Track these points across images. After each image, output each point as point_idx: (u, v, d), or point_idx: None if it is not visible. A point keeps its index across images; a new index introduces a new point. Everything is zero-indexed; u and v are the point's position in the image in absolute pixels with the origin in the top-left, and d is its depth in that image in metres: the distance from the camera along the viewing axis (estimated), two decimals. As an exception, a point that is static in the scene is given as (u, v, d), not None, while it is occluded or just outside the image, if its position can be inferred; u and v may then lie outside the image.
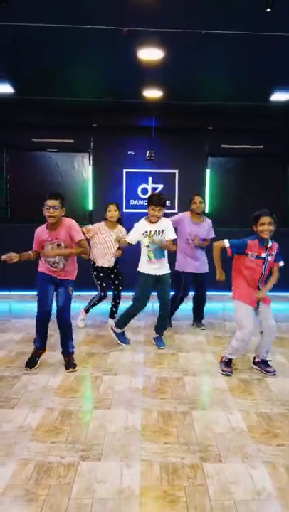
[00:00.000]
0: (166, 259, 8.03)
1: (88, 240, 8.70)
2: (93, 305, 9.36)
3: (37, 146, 12.19)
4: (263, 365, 7.15)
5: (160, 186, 12.19)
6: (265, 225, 6.56)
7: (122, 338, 8.37)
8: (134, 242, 8.00)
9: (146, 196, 12.05)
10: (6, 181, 12.07)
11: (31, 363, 7.11)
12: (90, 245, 8.70)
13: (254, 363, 7.29)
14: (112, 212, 8.89)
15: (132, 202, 12.25)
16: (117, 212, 8.96)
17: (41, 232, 6.92)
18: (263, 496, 4.09)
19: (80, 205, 11.99)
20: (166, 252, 7.99)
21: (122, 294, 9.39)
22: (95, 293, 9.24)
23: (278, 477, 4.39)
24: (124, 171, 12.32)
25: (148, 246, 7.85)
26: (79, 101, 10.51)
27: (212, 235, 9.25)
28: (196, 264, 9.23)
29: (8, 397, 6.10)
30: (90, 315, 9.54)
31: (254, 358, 7.30)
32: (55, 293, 7.09)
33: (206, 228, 9.24)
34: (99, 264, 8.99)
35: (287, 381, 6.86)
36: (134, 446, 4.92)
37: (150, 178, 12.34)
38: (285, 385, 6.71)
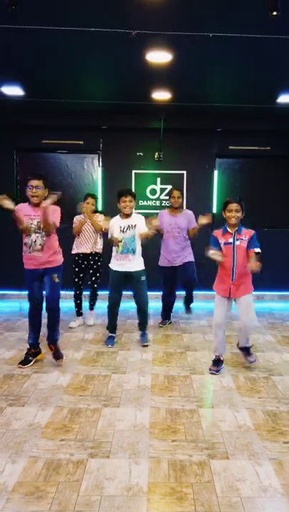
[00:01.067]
0: (136, 257, 8.04)
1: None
2: (76, 305, 9.59)
3: (47, 147, 12.19)
4: (244, 351, 7.28)
5: (168, 187, 12.15)
6: (232, 212, 6.73)
7: (107, 340, 8.38)
8: (112, 231, 7.98)
9: (155, 197, 12.15)
10: (17, 182, 12.04)
11: (25, 362, 7.17)
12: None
13: (238, 346, 7.41)
14: (90, 205, 9.16)
15: (141, 203, 12.19)
16: (94, 207, 9.26)
17: (23, 207, 6.98)
18: (269, 492, 4.10)
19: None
20: (138, 251, 8.02)
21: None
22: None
23: (284, 474, 4.40)
24: (133, 172, 12.30)
25: (120, 241, 7.91)
26: (88, 103, 10.51)
27: (194, 225, 9.15)
28: (178, 257, 9.19)
29: (18, 395, 6.13)
30: (99, 314, 9.58)
31: (238, 343, 7.41)
32: (44, 285, 7.13)
33: (184, 218, 9.21)
34: (75, 251, 9.22)
35: (293, 378, 6.87)
36: (142, 443, 4.94)
37: (159, 179, 12.30)
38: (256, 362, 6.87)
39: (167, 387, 6.48)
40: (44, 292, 7.15)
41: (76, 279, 9.34)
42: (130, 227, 7.88)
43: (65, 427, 5.28)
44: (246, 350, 7.25)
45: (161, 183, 12.21)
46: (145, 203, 12.09)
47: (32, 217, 6.86)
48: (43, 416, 5.54)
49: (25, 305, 10.39)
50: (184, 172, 12.22)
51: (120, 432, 5.18)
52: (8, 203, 6.61)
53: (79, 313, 9.58)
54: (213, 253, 6.65)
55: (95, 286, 9.48)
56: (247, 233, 6.84)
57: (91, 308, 9.68)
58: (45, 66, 8.24)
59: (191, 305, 9.90)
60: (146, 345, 8.22)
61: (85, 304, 9.60)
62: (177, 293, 9.71)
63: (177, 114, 11.34)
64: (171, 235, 9.13)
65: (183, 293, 9.71)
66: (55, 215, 6.90)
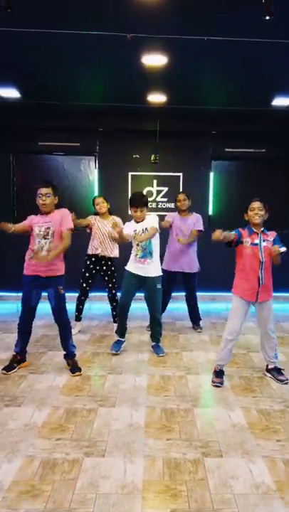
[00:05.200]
0: (154, 261, 7.83)
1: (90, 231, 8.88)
2: (77, 309, 9.25)
3: (43, 149, 12.22)
4: (275, 372, 6.94)
5: (165, 189, 12.21)
6: (255, 210, 6.55)
7: (114, 344, 8.12)
8: (128, 235, 7.69)
9: (152, 199, 12.17)
10: (13, 184, 12.08)
11: (8, 368, 7.05)
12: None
13: (267, 370, 7.08)
14: (101, 204, 8.87)
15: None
16: (105, 204, 8.90)
17: (34, 217, 6.98)
18: (261, 489, 4.16)
19: (87, 208, 11.97)
20: (155, 254, 7.81)
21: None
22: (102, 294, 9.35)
23: (277, 471, 4.46)
24: (130, 173, 12.33)
25: (138, 244, 7.73)
26: (85, 105, 10.54)
27: (199, 227, 9.16)
28: (181, 262, 9.20)
29: (14, 395, 6.17)
30: (95, 315, 9.58)
31: (267, 365, 7.11)
32: (47, 295, 7.04)
33: (192, 222, 9.19)
34: (90, 252, 8.91)
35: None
36: (137, 442, 4.99)
37: (155, 181, 12.35)
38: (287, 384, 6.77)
39: (163, 387, 6.52)
40: (51, 305, 7.07)
41: (84, 284, 9.00)
42: (144, 230, 7.65)
43: (61, 427, 5.32)
44: (277, 370, 6.95)
45: (157, 185, 12.25)
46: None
47: (41, 224, 6.83)
48: (40, 416, 5.58)
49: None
50: (180, 174, 12.26)
51: (116, 432, 5.22)
52: (8, 227, 6.72)
53: (78, 318, 9.28)
54: (227, 233, 6.40)
55: (114, 292, 9.10)
56: (271, 234, 6.68)
57: (115, 321, 9.09)
58: (41, 68, 8.27)
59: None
60: (162, 356, 7.91)
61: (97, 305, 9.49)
62: (174, 294, 9.72)
63: (173, 116, 11.38)
64: (175, 236, 9.15)
65: (179, 294, 9.76)
66: (66, 218, 6.92)
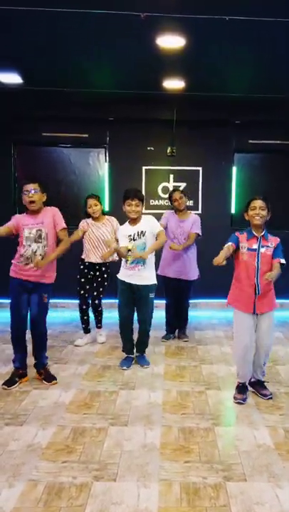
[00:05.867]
0: (146, 268, 7.73)
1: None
2: (82, 320, 9.27)
3: (48, 141, 12.21)
4: (258, 386, 6.94)
5: (182, 185, 12.17)
6: (257, 209, 6.47)
7: (122, 361, 8.10)
8: (125, 249, 7.61)
9: (167, 196, 12.15)
10: (14, 180, 12.09)
11: (9, 383, 7.07)
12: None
13: (249, 383, 7.02)
14: (93, 207, 8.87)
15: (152, 202, 12.23)
16: (98, 206, 8.91)
17: (21, 217, 6.97)
18: (290, 517, 4.14)
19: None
20: (148, 260, 7.69)
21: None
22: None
23: (306, 497, 4.44)
24: (144, 168, 12.31)
25: (130, 250, 7.60)
26: (94, 92, 10.50)
27: (195, 230, 9.15)
28: (177, 268, 9.21)
29: (16, 413, 6.17)
30: (104, 325, 9.57)
31: (250, 378, 7.02)
32: (30, 301, 7.06)
33: (189, 224, 9.17)
34: (90, 260, 8.94)
35: None
36: (152, 465, 4.97)
37: (171, 176, 12.32)
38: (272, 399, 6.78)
39: (180, 404, 6.51)
40: (30, 311, 7.10)
41: (82, 291, 9.08)
42: (140, 233, 7.62)
43: (67, 448, 5.31)
44: (260, 384, 6.95)
45: (174, 181, 12.23)
46: (157, 202, 12.12)
47: (30, 226, 6.84)
48: (44, 436, 5.57)
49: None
50: (200, 168, 12.24)
51: (128, 453, 5.21)
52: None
53: (86, 330, 9.30)
54: (226, 251, 6.34)
55: (97, 302, 9.10)
56: (273, 240, 6.58)
57: (98, 326, 9.40)
58: (45, 52, 8.27)
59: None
60: (147, 367, 7.97)
61: (105, 314, 9.53)
62: (193, 301, 9.72)
63: (191, 104, 11.37)
64: (177, 241, 9.12)
65: (197, 301, 9.76)
66: (58, 218, 6.99)
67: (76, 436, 5.56)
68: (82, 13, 6.54)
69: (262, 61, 8.54)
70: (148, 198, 12.04)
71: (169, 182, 12.23)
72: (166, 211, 9.51)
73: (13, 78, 9.62)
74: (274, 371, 7.79)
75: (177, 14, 6.58)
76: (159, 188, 12.18)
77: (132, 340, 8.15)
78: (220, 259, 6.08)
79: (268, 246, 6.49)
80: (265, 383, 6.96)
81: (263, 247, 6.49)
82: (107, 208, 11.86)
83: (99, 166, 12.34)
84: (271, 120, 11.93)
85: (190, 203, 11.83)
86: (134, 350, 8.24)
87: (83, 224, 8.95)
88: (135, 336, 8.17)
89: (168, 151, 11.96)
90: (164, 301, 9.58)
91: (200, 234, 9.19)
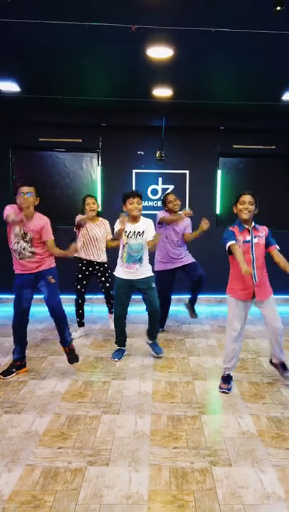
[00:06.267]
0: (143, 266, 7.76)
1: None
2: (77, 314, 9.24)
3: (44, 145, 12.19)
4: (281, 367, 6.88)
5: (170, 187, 12.20)
6: (245, 204, 6.47)
7: (115, 353, 8.09)
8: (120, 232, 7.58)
9: (157, 197, 12.16)
10: (12, 182, 12.02)
11: (6, 373, 7.08)
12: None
13: (271, 362, 7.09)
14: (91, 205, 8.90)
15: (143, 203, 12.00)
16: (96, 205, 8.97)
17: (15, 211, 6.78)
18: (272, 499, 4.16)
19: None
20: (145, 258, 7.76)
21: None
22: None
23: (288, 481, 4.45)
24: (134, 171, 12.31)
25: (124, 246, 7.66)
26: (87, 100, 10.54)
27: (189, 231, 9.20)
28: (176, 259, 9.17)
29: (14, 402, 6.18)
30: (98, 319, 9.58)
31: (270, 359, 7.10)
32: (40, 288, 7.07)
33: (184, 226, 9.16)
34: (81, 256, 8.91)
35: (300, 385, 6.91)
36: (142, 451, 4.99)
37: (160, 179, 12.34)
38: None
39: (169, 394, 6.52)
40: (44, 298, 7.10)
41: (79, 286, 9.06)
42: (137, 233, 7.62)
43: (63, 435, 5.32)
44: (282, 365, 6.86)
45: (163, 183, 12.24)
46: (146, 203, 12.08)
47: (20, 223, 6.77)
48: (41, 423, 5.58)
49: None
50: (187, 171, 12.25)
51: (120, 440, 5.22)
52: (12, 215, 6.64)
53: (81, 324, 9.30)
54: (239, 252, 6.29)
55: (111, 292, 9.00)
56: (262, 229, 6.62)
57: (111, 311, 9.36)
58: (42, 61, 8.27)
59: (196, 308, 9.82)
60: (161, 357, 8.00)
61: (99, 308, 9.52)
62: (179, 296, 9.72)
63: (179, 111, 11.39)
64: (169, 240, 9.12)
65: (183, 296, 9.73)
66: (45, 232, 6.91)
67: (71, 424, 5.57)
68: (77, 26, 6.54)
69: (246, 71, 8.54)
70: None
71: (158, 184, 12.23)
72: (160, 212, 9.42)
73: (11, 86, 9.62)
74: (257, 362, 7.79)
75: (166, 26, 6.59)
76: (149, 190, 12.17)
77: (125, 333, 8.12)
78: (245, 267, 6.02)
79: (259, 236, 6.51)
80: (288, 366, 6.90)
81: (255, 237, 6.50)
82: (99, 209, 11.87)
83: (92, 170, 12.32)
84: (254, 126, 11.96)
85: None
86: (147, 339, 8.25)
87: (78, 218, 8.84)
88: (128, 329, 8.17)
89: (157, 156, 11.94)
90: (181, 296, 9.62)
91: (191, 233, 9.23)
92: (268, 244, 6.57)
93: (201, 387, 6.80)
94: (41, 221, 6.88)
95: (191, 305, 9.69)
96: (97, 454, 4.90)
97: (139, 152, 12.17)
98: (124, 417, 5.77)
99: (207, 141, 12.12)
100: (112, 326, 9.13)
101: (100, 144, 12.16)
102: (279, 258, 6.44)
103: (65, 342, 7.25)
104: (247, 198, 6.51)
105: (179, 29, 6.65)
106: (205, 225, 8.74)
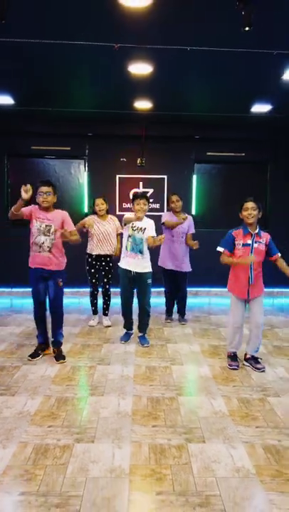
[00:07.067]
0: (144, 258, 7.82)
1: (87, 232, 8.88)
2: (92, 304, 9.30)
3: (36, 153, 12.18)
4: (252, 361, 6.96)
5: (150, 190, 12.19)
6: (249, 210, 6.51)
7: (123, 336, 8.29)
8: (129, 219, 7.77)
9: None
10: (8, 186, 12.06)
11: (34, 355, 7.19)
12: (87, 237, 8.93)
13: (245, 359, 7.10)
14: (100, 206, 8.86)
15: (125, 205, 12.17)
16: (105, 206, 8.91)
17: (35, 209, 6.90)
18: (242, 473, 4.17)
19: (76, 208, 11.99)
20: (145, 251, 7.79)
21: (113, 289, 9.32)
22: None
23: (256, 456, 4.47)
24: (117, 176, 12.29)
25: (129, 237, 7.76)
26: (75, 111, 10.55)
27: (192, 230, 9.26)
28: (176, 262, 9.22)
29: (8, 385, 6.15)
30: (85, 310, 9.57)
31: (245, 354, 7.12)
32: (48, 287, 7.06)
33: (187, 225, 9.17)
34: (93, 253, 8.87)
35: (266, 368, 6.93)
36: (125, 429, 4.98)
37: (141, 183, 12.32)
38: (265, 372, 6.81)
39: (149, 377, 6.51)
40: (48, 296, 7.13)
41: (93, 280, 9.12)
42: (140, 229, 7.72)
43: (52, 415, 5.30)
44: (254, 359, 6.99)
45: (143, 187, 12.21)
46: (128, 205, 12.06)
47: (41, 220, 6.82)
48: (32, 404, 5.56)
49: (16, 301, 10.42)
50: (165, 176, 12.24)
51: (104, 419, 5.21)
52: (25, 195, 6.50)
53: (95, 312, 9.36)
54: (228, 259, 6.61)
55: (107, 286, 9.23)
56: (264, 236, 6.67)
57: (105, 313, 9.40)
58: (34, 77, 8.25)
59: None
60: (147, 346, 8.00)
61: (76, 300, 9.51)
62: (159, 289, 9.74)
63: (158, 122, 11.40)
64: (176, 239, 9.16)
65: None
66: (67, 222, 6.96)
67: (60, 405, 5.55)
68: (65, 44, 6.52)
69: (218, 86, 8.55)
70: (120, 201, 12.12)
71: (139, 188, 12.21)
72: (164, 213, 9.62)
73: (6, 100, 9.59)
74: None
75: (146, 45, 6.58)
76: (131, 193, 12.13)
77: (132, 318, 8.24)
78: (247, 259, 6.50)
79: (260, 242, 6.57)
80: (259, 359, 7.00)
81: (256, 242, 6.56)
82: (86, 210, 11.86)
83: (79, 175, 12.28)
84: (226, 136, 12.01)
85: (157, 205, 11.95)
86: (137, 331, 8.31)
87: (90, 218, 8.89)
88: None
89: (138, 162, 11.97)
90: (163, 289, 9.75)
91: (194, 233, 9.31)
92: (270, 252, 6.66)
93: (177, 371, 6.79)
94: (62, 214, 6.97)
95: (182, 317, 9.82)
96: (84, 432, 4.89)
97: (122, 159, 12.15)
98: (108, 399, 5.76)
99: (183, 149, 12.13)
100: (106, 323, 9.26)
101: (87, 151, 12.13)
102: (283, 267, 6.59)
103: (56, 342, 7.26)
104: (250, 204, 6.57)
105: (158, 48, 6.65)
106: (194, 246, 8.93)
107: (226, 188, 12.33)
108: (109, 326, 9.20)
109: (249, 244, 6.53)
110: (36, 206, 6.92)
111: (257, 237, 6.57)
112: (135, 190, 12.18)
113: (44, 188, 6.76)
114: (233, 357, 7.03)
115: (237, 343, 7.00)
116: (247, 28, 5.26)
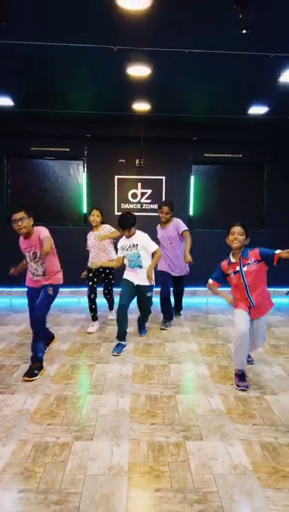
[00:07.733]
0: (144, 271, 7.85)
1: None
2: (90, 309, 9.02)
3: (35, 154, 12.14)
4: (239, 376, 6.51)
5: (148, 191, 12.21)
6: (235, 234, 6.05)
7: (115, 347, 7.63)
8: (122, 258, 7.95)
9: (136, 200, 12.16)
10: (7, 186, 12.02)
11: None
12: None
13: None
14: (95, 217, 8.76)
15: (123, 206, 12.17)
16: (99, 218, 8.78)
17: (21, 242, 6.73)
18: (239, 470, 4.18)
19: (76, 209, 12.00)
20: (144, 264, 7.84)
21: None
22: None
23: (253, 453, 4.49)
24: (116, 177, 12.27)
25: (126, 255, 7.88)
26: (74, 113, 10.54)
27: (182, 229, 9.07)
28: (174, 269, 9.24)
29: (8, 384, 6.17)
30: (84, 309, 9.58)
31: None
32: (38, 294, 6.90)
33: (173, 228, 9.11)
34: (93, 267, 8.51)
35: (263, 367, 6.96)
36: (123, 427, 5.00)
37: (139, 184, 12.29)
38: (261, 370, 6.82)
39: (147, 376, 6.53)
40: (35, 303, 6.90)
41: (90, 283, 8.82)
42: (131, 247, 7.76)
43: (52, 413, 5.32)
44: (241, 376, 6.31)
45: (141, 188, 12.20)
46: (127, 206, 12.09)
47: (27, 249, 6.63)
48: (32, 403, 5.57)
49: (15, 301, 10.41)
50: (163, 177, 12.23)
51: (103, 417, 5.22)
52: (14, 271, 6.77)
53: (95, 318, 9.03)
54: (219, 292, 6.51)
55: (111, 291, 9.33)
56: (252, 255, 6.09)
57: (110, 308, 9.70)
58: (34, 79, 8.24)
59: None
60: (144, 335, 8.45)
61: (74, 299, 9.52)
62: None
63: (156, 123, 11.39)
64: (165, 247, 9.18)
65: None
66: (44, 237, 6.38)
67: (59, 403, 5.57)
68: (64, 46, 6.52)
69: (216, 88, 8.55)
70: (119, 202, 12.12)
71: (137, 189, 12.20)
72: (157, 228, 9.50)
73: (6, 101, 9.58)
74: (226, 348, 7.82)
75: (144, 47, 6.58)
76: (129, 194, 12.15)
77: (126, 328, 7.81)
78: (229, 298, 6.46)
79: (248, 264, 6.08)
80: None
81: (244, 265, 6.10)
82: (84, 211, 11.87)
83: (78, 175, 12.26)
84: (223, 137, 11.99)
85: (155, 206, 11.93)
86: (138, 325, 8.66)
87: (113, 232, 8.75)
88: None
89: (136, 163, 11.96)
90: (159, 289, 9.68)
91: (187, 229, 9.17)
92: (268, 260, 6.05)
93: (175, 369, 6.81)
94: (37, 232, 6.51)
95: (177, 312, 10.10)
96: (83, 430, 4.91)
97: (120, 160, 12.14)
98: (107, 397, 5.77)
99: (181, 150, 12.12)
100: (110, 317, 9.47)
101: (86, 152, 12.12)
102: (287, 254, 5.90)
103: (36, 358, 6.62)
104: (236, 229, 6.08)
105: (156, 50, 6.64)
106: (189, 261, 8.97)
107: (224, 189, 12.33)
108: (113, 320, 9.27)
109: (238, 271, 6.15)
110: (20, 239, 6.75)
111: (244, 260, 6.13)
112: (134, 190, 12.18)
113: (16, 216, 6.38)
114: (241, 376, 6.30)
115: (244, 358, 6.25)
116: (244, 31, 5.27)
